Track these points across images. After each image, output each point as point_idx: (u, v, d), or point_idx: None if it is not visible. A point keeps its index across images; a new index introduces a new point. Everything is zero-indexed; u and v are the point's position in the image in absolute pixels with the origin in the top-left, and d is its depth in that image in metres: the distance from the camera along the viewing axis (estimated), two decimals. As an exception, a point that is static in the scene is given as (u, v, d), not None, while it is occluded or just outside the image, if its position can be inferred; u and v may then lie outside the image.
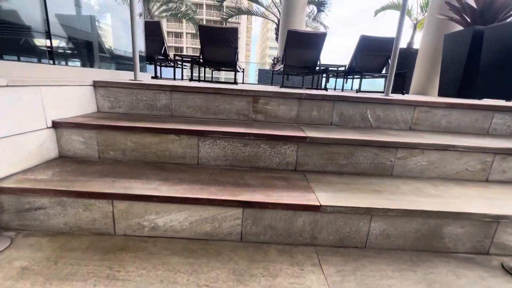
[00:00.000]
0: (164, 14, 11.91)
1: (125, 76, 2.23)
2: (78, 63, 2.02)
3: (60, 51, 1.75)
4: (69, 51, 1.93)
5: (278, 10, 10.01)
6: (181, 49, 45.37)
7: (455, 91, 4.48)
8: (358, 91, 4.44)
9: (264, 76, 8.27)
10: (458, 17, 4.56)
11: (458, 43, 4.41)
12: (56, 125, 1.30)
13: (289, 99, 1.66)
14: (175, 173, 1.23)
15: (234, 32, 4.42)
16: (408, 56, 6.24)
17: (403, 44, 4.70)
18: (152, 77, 4.39)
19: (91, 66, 2.31)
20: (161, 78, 6.53)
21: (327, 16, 9.36)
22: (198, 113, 1.68)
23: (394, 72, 2.06)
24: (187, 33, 43.79)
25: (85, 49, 2.23)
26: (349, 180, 1.29)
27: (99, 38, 3.16)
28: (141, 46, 3.57)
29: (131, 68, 2.30)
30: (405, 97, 1.70)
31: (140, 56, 3.68)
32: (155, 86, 1.63)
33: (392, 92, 5.03)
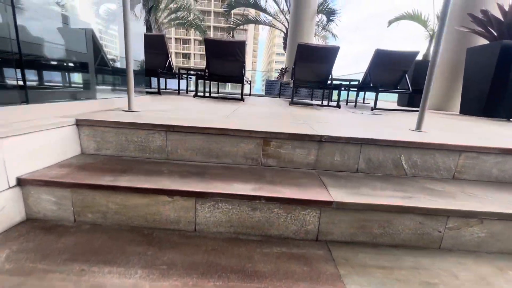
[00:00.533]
0: (172, 23, 11.90)
1: (120, 104, 2.00)
2: (63, 96, 1.80)
3: (37, 83, 1.53)
4: (52, 81, 1.71)
5: (286, 18, 9.84)
6: (188, 55, 45.86)
7: (480, 109, 4.12)
8: (374, 108, 4.13)
9: (271, 87, 8.04)
10: (483, 30, 4.24)
11: (483, 57, 4.07)
12: (22, 182, 1.06)
13: (307, 142, 1.38)
14: (165, 250, 0.97)
15: (241, 45, 4.20)
16: (424, 69, 5.89)
17: (416, 55, 4.39)
18: (155, 93, 4.20)
19: (81, 94, 2.09)
20: (165, 89, 6.37)
21: (337, 26, 9.12)
22: (198, 156, 1.42)
23: (427, 101, 1.76)
24: (194, 40, 44.28)
25: (75, 75, 2.02)
26: (388, 259, 1.00)
27: (95, 58, 2.95)
28: (140, 57, 3.37)
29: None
30: (448, 140, 1.41)
31: (139, 71, 3.49)
32: (148, 125, 1.38)
33: (408, 106, 4.71)
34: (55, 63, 1.77)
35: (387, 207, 1.05)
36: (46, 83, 1.88)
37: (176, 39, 44.57)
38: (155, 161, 1.39)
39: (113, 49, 3.20)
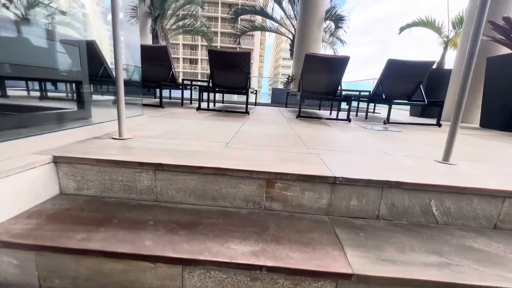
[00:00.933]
0: (179, 30, 11.89)
1: (111, 128, 1.84)
2: (47, 120, 1.65)
3: (11, 117, 1.38)
4: (36, 106, 1.57)
5: (292, 24, 9.68)
6: (196, 61, 46.33)
7: (503, 123, 3.82)
8: (387, 122, 3.89)
9: (277, 96, 7.88)
10: (504, 38, 3.96)
11: (506, 67, 3.78)
12: (-23, 243, 0.89)
13: (317, 184, 1.18)
14: (142, 339, 0.77)
15: (246, 57, 4.04)
16: (439, 77, 5.63)
17: (432, 65, 4.14)
18: (157, 105, 4.06)
19: (71, 116, 1.95)
20: (170, 99, 6.26)
21: (345, 33, 8.90)
22: (192, 198, 1.23)
23: (457, 128, 1.53)
24: (202, 46, 44.71)
25: (64, 96, 1.88)
26: None
27: (96, 72, 2.80)
28: (136, 61, 3.24)
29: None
30: (487, 181, 1.18)
31: (137, 83, 3.33)
32: (133, 164, 1.20)
33: (421, 117, 4.43)
34: (36, 87, 1.63)
35: (421, 282, 0.83)
36: (28, 110, 1.74)
37: (183, 45, 45.13)
38: (142, 204, 1.21)
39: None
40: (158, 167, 1.20)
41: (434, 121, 4.75)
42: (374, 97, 4.39)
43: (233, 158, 1.37)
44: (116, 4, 1.56)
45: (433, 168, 1.42)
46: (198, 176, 1.20)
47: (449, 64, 6.04)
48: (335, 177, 1.16)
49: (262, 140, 1.92)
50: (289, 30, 9.88)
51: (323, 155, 1.56)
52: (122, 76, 1.58)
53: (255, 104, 6.63)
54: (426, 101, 4.07)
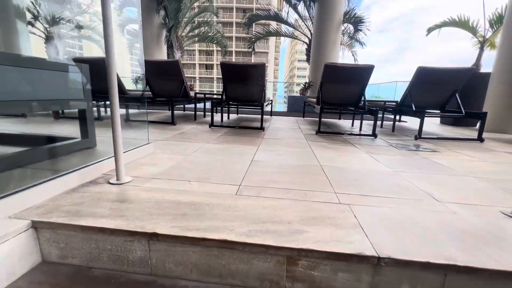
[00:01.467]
0: (194, 39, 11.94)
1: (109, 166, 1.65)
2: (36, 158, 1.50)
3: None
4: (26, 151, 1.42)
5: (307, 27, 9.34)
6: (211, 66, 47.00)
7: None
8: (418, 137, 3.48)
9: (294, 104, 7.58)
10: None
11: None
12: None
13: (355, 264, 0.90)
14: None
15: (260, 69, 3.82)
16: (474, 81, 5.05)
17: (470, 72, 3.67)
18: (169, 123, 3.92)
19: (73, 146, 1.80)
20: (184, 110, 6.16)
21: (366, 36, 8.43)
22: (194, 273, 1.00)
23: None
24: (217, 51, 45.28)
25: (62, 130, 1.73)
26: None
27: (103, 92, 2.65)
28: (137, 69, 3.12)
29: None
30: None
31: (141, 99, 3.17)
32: (123, 233, 0.99)
33: (453, 126, 3.93)
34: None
35: None
36: (26, 142, 1.61)
37: (199, 51, 45.95)
38: (135, 280, 0.99)
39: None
40: (152, 237, 0.97)
41: (470, 132, 4.27)
42: (402, 108, 3.99)
43: (243, 217, 1.11)
44: (109, 21, 1.34)
45: (506, 231, 1.09)
46: (200, 248, 0.96)
47: (485, 67, 5.46)
48: (379, 257, 0.87)
49: (279, 178, 1.66)
50: (304, 34, 9.55)
51: (355, 205, 1.27)
52: (118, 113, 1.38)
53: (271, 113, 6.38)
54: (464, 112, 3.62)
